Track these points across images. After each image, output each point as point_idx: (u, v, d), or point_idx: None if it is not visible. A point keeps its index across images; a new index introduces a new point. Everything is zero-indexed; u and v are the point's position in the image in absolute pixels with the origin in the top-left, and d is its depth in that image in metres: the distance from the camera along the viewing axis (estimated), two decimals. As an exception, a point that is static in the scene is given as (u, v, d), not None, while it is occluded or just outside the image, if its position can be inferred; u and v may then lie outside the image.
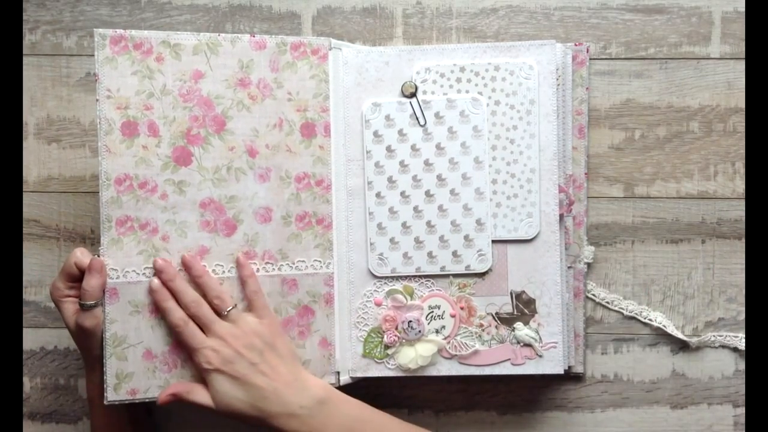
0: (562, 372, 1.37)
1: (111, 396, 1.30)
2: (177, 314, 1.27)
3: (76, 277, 1.28)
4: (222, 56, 1.32)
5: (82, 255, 1.28)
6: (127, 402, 1.30)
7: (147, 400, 1.31)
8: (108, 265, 1.29)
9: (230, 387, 1.25)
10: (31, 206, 1.46)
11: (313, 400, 1.26)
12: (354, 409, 1.28)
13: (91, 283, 1.26)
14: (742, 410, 1.46)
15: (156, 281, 1.29)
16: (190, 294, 1.29)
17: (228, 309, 1.29)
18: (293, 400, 1.25)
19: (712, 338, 1.44)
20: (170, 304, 1.28)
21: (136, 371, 1.30)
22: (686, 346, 1.45)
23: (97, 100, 1.29)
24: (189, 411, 1.46)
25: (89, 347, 1.30)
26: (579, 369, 1.43)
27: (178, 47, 1.31)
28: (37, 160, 1.45)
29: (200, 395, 1.27)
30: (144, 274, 1.30)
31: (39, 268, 1.46)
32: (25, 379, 1.47)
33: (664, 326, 1.44)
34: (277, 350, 1.29)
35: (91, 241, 1.46)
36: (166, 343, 1.31)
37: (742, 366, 1.45)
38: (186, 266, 1.30)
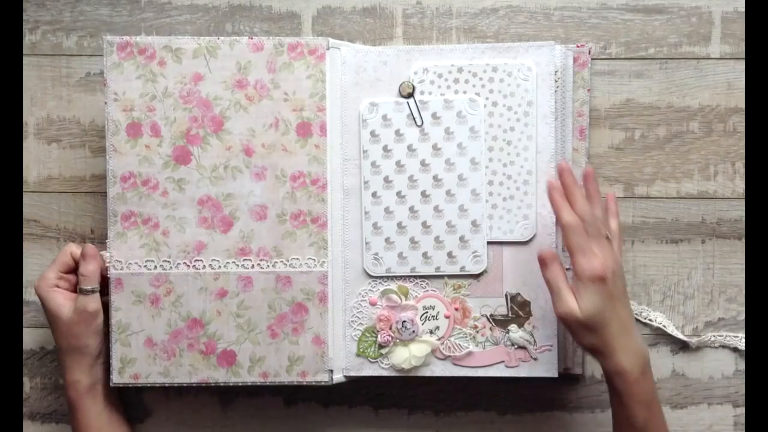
0: (555, 375, 1.37)
1: (116, 379, 1.36)
2: (571, 217, 1.27)
3: (70, 268, 1.34)
4: (221, 59, 1.35)
5: (77, 248, 1.34)
6: (131, 386, 1.37)
7: (148, 385, 1.37)
8: (113, 257, 1.35)
9: (600, 299, 1.24)
10: (31, 206, 1.46)
11: (643, 360, 1.27)
12: (653, 389, 1.30)
13: (89, 268, 1.31)
14: (742, 410, 1.45)
15: (554, 180, 1.31)
16: (585, 207, 1.29)
17: (606, 234, 1.29)
18: (633, 346, 1.27)
19: (712, 338, 1.44)
20: (566, 205, 1.29)
21: (139, 357, 1.36)
22: (686, 346, 1.45)
23: (105, 103, 1.35)
24: (188, 412, 1.47)
25: (82, 336, 1.32)
26: (578, 370, 1.43)
27: (179, 51, 1.35)
28: (37, 160, 1.46)
29: (569, 301, 1.26)
30: (145, 266, 1.36)
31: (39, 268, 1.46)
32: (25, 379, 1.48)
33: (664, 326, 1.43)
34: (627, 294, 1.31)
35: (91, 241, 1.46)
36: (165, 333, 1.36)
37: (742, 366, 1.45)
38: (585, 179, 1.33)
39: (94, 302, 1.32)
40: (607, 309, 1.24)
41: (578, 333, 1.26)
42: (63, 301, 1.32)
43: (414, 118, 1.35)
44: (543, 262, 1.28)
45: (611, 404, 1.31)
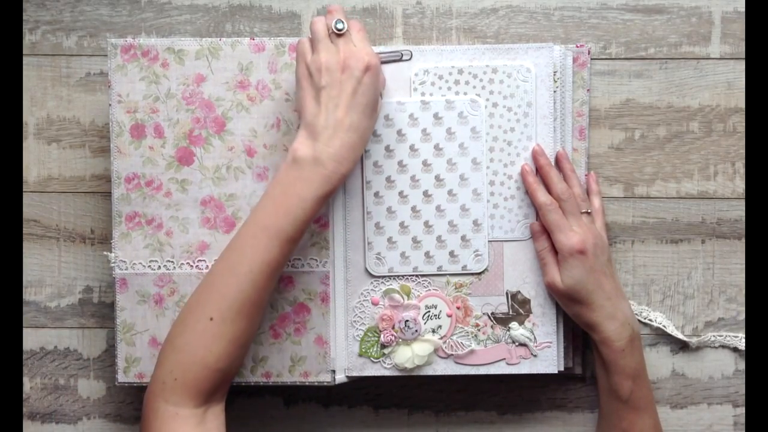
0: (556, 371, 1.37)
1: (121, 378, 1.39)
2: (546, 197, 1.35)
3: None
4: (222, 60, 1.36)
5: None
6: (135, 385, 1.38)
7: None
8: (118, 257, 1.36)
9: (581, 272, 1.31)
10: (31, 206, 1.46)
11: (631, 331, 1.33)
12: (642, 360, 1.36)
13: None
14: (742, 410, 1.46)
15: (527, 165, 1.37)
16: (562, 185, 1.35)
17: (586, 210, 1.36)
18: (619, 316, 1.33)
19: (712, 338, 1.44)
20: (541, 186, 1.36)
21: (143, 357, 1.38)
22: (686, 346, 1.45)
23: (109, 105, 1.36)
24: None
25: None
26: (578, 370, 1.43)
27: (182, 53, 1.36)
28: (37, 160, 1.46)
29: (552, 273, 1.34)
30: (149, 266, 1.37)
31: (39, 268, 1.46)
32: (25, 379, 1.48)
33: (664, 326, 1.44)
34: (612, 266, 1.38)
35: (91, 241, 1.46)
36: None
37: (742, 366, 1.45)
38: (558, 160, 1.38)
39: None
40: (589, 281, 1.31)
41: (563, 303, 1.35)
42: None
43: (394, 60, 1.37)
44: (533, 235, 1.36)
45: (597, 375, 1.36)
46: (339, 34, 1.24)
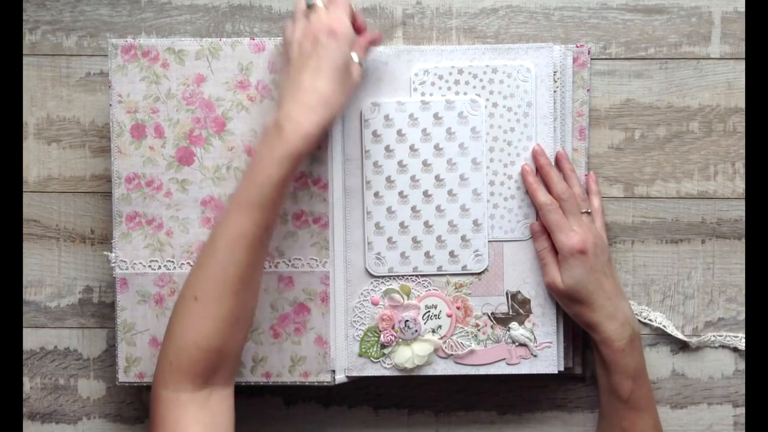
0: (556, 371, 1.38)
1: (122, 378, 1.39)
2: (546, 197, 1.35)
3: None
4: (223, 60, 1.36)
5: None
6: (136, 385, 1.39)
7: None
8: (118, 257, 1.36)
9: (581, 272, 1.31)
10: (31, 206, 1.46)
11: (631, 331, 1.33)
12: (643, 360, 1.36)
13: None
14: (742, 410, 1.46)
15: (527, 165, 1.37)
16: (562, 185, 1.35)
17: (586, 210, 1.36)
18: (619, 316, 1.33)
19: (712, 338, 1.44)
20: (541, 186, 1.36)
21: (144, 357, 1.38)
22: (686, 346, 1.45)
23: (110, 105, 1.36)
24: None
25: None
26: (578, 370, 1.43)
27: (182, 53, 1.36)
28: (37, 160, 1.46)
29: (552, 273, 1.34)
30: (149, 266, 1.37)
31: (39, 268, 1.46)
32: (25, 379, 1.47)
33: (664, 326, 1.44)
34: (612, 266, 1.38)
35: (91, 241, 1.46)
36: None
37: (742, 366, 1.45)
38: (558, 160, 1.38)
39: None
40: (590, 281, 1.31)
41: (563, 303, 1.35)
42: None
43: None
44: (533, 235, 1.36)
45: (597, 375, 1.36)
46: (309, 6, 1.26)
